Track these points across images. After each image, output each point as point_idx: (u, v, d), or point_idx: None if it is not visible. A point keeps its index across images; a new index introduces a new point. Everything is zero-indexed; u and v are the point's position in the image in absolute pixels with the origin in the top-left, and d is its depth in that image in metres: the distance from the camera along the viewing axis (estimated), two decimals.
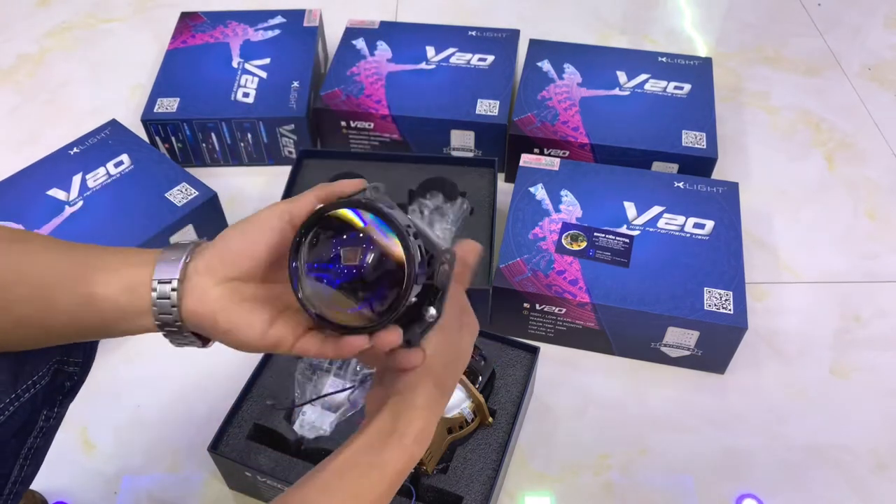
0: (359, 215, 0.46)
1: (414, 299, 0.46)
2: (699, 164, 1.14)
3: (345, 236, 0.46)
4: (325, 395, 0.70)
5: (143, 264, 0.49)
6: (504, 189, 1.12)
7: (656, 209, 1.04)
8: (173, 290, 0.48)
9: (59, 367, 0.59)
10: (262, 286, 0.50)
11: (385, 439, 0.51)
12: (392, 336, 0.48)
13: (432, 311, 0.48)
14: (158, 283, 0.48)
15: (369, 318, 0.47)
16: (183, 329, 0.49)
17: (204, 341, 0.52)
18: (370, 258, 0.46)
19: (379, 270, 0.46)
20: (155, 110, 1.19)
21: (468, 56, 1.28)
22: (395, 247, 0.45)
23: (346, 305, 0.47)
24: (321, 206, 0.49)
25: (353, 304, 0.46)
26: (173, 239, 1.04)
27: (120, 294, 0.49)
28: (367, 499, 0.50)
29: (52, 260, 0.51)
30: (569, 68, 1.26)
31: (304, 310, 0.48)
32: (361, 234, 0.46)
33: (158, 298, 0.48)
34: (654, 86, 1.24)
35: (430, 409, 0.52)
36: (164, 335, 0.50)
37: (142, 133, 1.18)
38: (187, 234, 1.05)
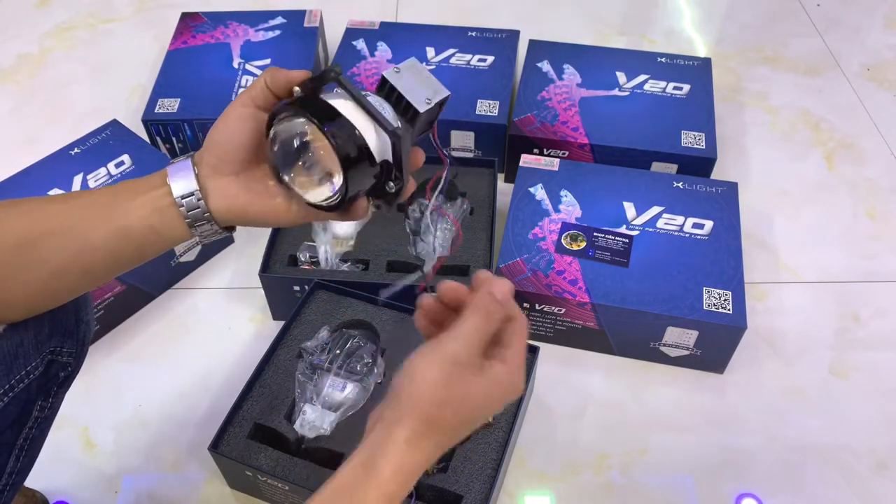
0: (303, 114, 0.51)
1: (373, 179, 0.53)
2: (698, 165, 1.14)
3: (293, 132, 0.52)
4: None
5: (156, 187, 0.54)
6: (504, 189, 1.12)
7: (656, 209, 1.04)
8: (199, 199, 0.53)
9: (53, 357, 0.60)
10: (266, 169, 0.55)
11: (360, 479, 0.47)
12: (362, 204, 0.54)
13: (391, 184, 0.54)
14: (182, 198, 0.53)
15: (339, 193, 0.52)
16: (214, 226, 0.54)
17: (229, 230, 0.56)
18: (312, 145, 0.51)
19: (315, 153, 0.51)
20: (156, 110, 1.19)
21: (468, 56, 1.29)
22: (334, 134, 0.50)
23: (315, 189, 0.53)
24: (278, 106, 0.53)
25: (316, 184, 0.53)
26: None
27: (150, 216, 0.53)
28: None
29: (70, 208, 0.54)
30: (568, 69, 1.27)
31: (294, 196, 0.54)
32: (304, 126, 0.51)
33: (189, 211, 0.53)
34: (653, 86, 1.24)
35: (413, 445, 0.47)
36: (197, 237, 0.55)
37: (142, 133, 1.19)
38: None
